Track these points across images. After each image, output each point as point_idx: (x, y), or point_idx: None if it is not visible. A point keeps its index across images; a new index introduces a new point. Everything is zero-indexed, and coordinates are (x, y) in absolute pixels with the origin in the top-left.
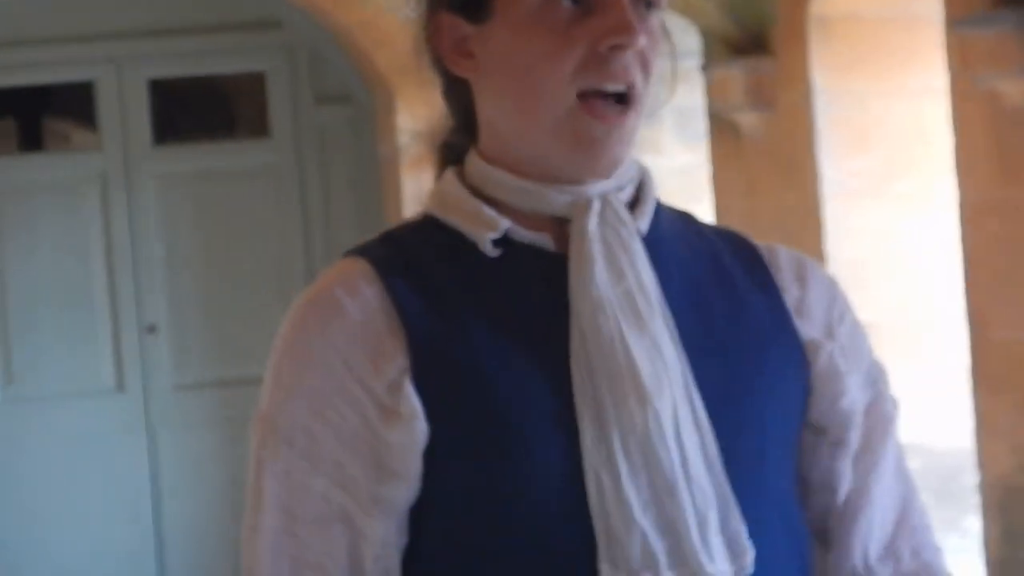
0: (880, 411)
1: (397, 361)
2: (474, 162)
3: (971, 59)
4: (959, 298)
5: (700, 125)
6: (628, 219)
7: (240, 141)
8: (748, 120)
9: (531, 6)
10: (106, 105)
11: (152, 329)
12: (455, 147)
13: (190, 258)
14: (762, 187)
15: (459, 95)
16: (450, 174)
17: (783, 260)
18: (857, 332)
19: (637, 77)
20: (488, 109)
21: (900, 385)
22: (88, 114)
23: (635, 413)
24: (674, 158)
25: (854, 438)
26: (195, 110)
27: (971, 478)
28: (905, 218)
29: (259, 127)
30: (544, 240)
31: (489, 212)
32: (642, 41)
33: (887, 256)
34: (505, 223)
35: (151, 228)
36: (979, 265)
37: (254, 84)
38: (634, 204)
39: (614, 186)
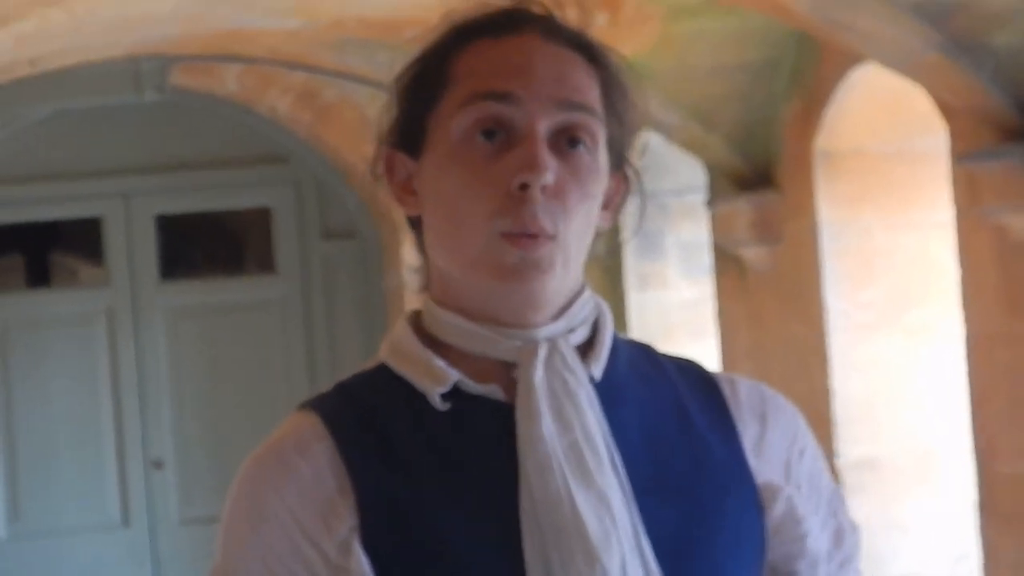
0: (844, 542)
1: (347, 520)
2: (428, 305)
3: (977, 193)
4: (966, 430)
5: (705, 259)
6: (577, 365)
7: (247, 276)
8: (753, 253)
9: (451, 142)
10: (113, 240)
11: (158, 464)
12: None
13: (196, 393)
14: (768, 320)
15: (415, 235)
16: (403, 322)
17: (744, 394)
18: (817, 467)
19: (548, 222)
20: (430, 248)
21: (907, 519)
22: (96, 249)
23: (583, 572)
24: (680, 292)
25: (822, 574)
26: (202, 245)
27: None
28: (912, 350)
29: (266, 262)
30: (494, 391)
31: (439, 364)
32: (549, 178)
33: (894, 389)
34: (455, 375)
35: (158, 363)
36: (986, 397)
37: (261, 219)
38: (589, 345)
39: (564, 328)
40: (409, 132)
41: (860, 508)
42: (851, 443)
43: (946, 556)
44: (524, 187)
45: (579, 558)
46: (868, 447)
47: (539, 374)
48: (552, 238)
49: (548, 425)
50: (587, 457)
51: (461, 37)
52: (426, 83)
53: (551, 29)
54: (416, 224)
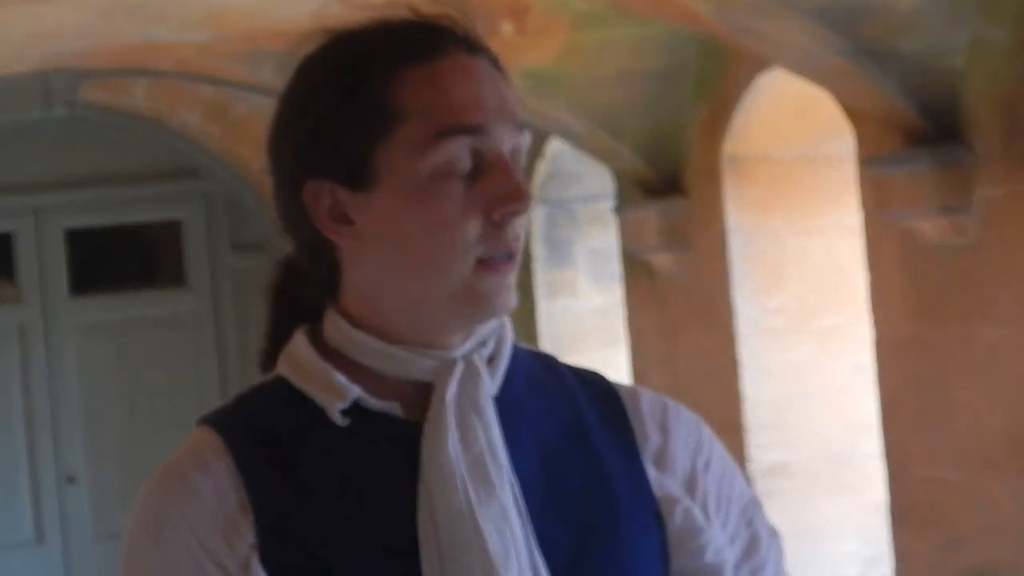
0: (758, 551)
1: (247, 538)
2: (335, 323)
3: (885, 197)
4: (878, 435)
5: (615, 267)
6: (487, 379)
7: (158, 290)
8: (663, 261)
9: (420, 179)
10: (24, 256)
11: (71, 479)
12: (302, 304)
13: (109, 407)
14: (679, 327)
15: (322, 256)
16: (301, 336)
17: (645, 406)
18: (727, 476)
19: (522, 233)
20: (362, 275)
21: (819, 524)
22: (6, 266)
23: None
24: (589, 300)
25: None
26: (113, 259)
27: None
28: (823, 356)
29: (177, 275)
30: (394, 408)
31: (339, 380)
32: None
33: (806, 394)
34: (355, 391)
35: (70, 378)
36: (897, 401)
37: (172, 233)
38: (491, 360)
39: (475, 344)
40: (346, 165)
41: (772, 514)
42: (763, 449)
43: (859, 561)
44: (508, 216)
45: (477, 574)
46: (780, 453)
47: (452, 391)
48: (515, 261)
49: (454, 441)
50: (490, 470)
51: (387, 64)
52: (364, 116)
53: (471, 46)
54: (317, 248)
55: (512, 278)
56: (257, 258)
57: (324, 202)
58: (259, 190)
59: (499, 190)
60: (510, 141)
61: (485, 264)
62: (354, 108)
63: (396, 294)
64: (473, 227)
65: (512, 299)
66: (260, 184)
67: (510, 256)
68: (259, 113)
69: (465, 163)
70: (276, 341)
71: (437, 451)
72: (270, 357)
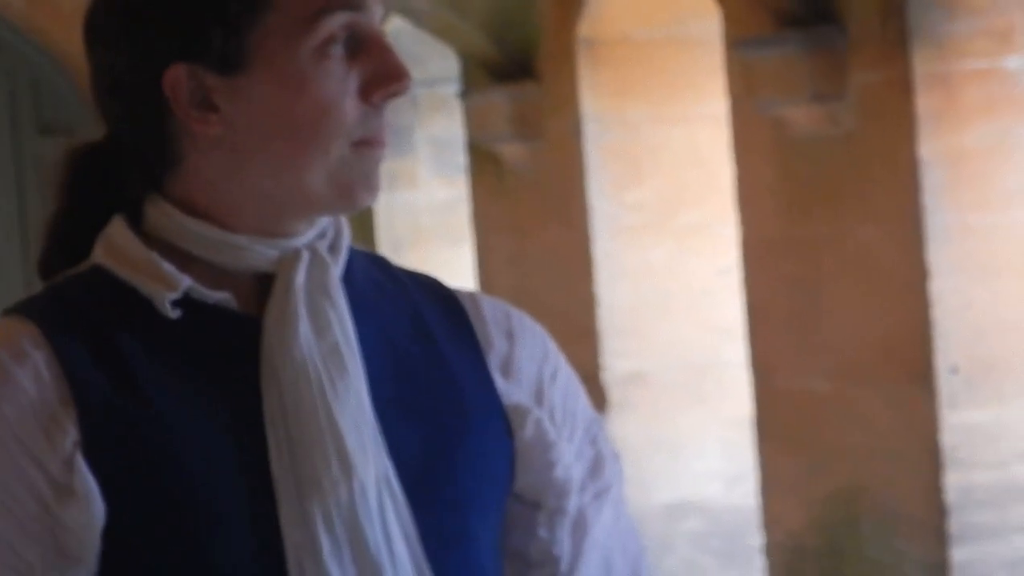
0: (602, 472)
1: (70, 434)
2: (164, 211)
3: (754, 83)
4: (743, 343)
5: (460, 157)
6: (333, 267)
7: None
8: (512, 151)
9: (300, 59)
10: None
11: None
12: (116, 190)
13: None
14: (529, 225)
15: (162, 144)
16: (120, 222)
17: (487, 312)
18: (571, 390)
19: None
20: (212, 162)
21: (678, 438)
22: None
23: (339, 484)
24: (431, 193)
25: (572, 506)
26: None
27: (757, 538)
28: (684, 256)
29: None
30: (228, 300)
31: (168, 269)
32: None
33: (665, 298)
34: (186, 281)
35: None
36: (764, 307)
37: None
38: (331, 250)
39: (317, 233)
40: (217, 49)
41: (627, 427)
42: (618, 356)
43: (720, 478)
44: (389, 96)
45: (335, 470)
46: (636, 361)
47: (301, 278)
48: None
49: (306, 331)
50: (347, 359)
51: None
52: None
53: None
54: (153, 133)
55: (381, 164)
56: (64, 142)
57: (186, 88)
58: (68, 69)
59: (380, 69)
60: (379, 17)
61: (362, 143)
62: None
63: (255, 182)
64: (351, 108)
65: (379, 186)
66: (69, 61)
67: (383, 142)
68: None
69: (342, 42)
70: (63, 238)
71: (286, 343)
72: (55, 257)
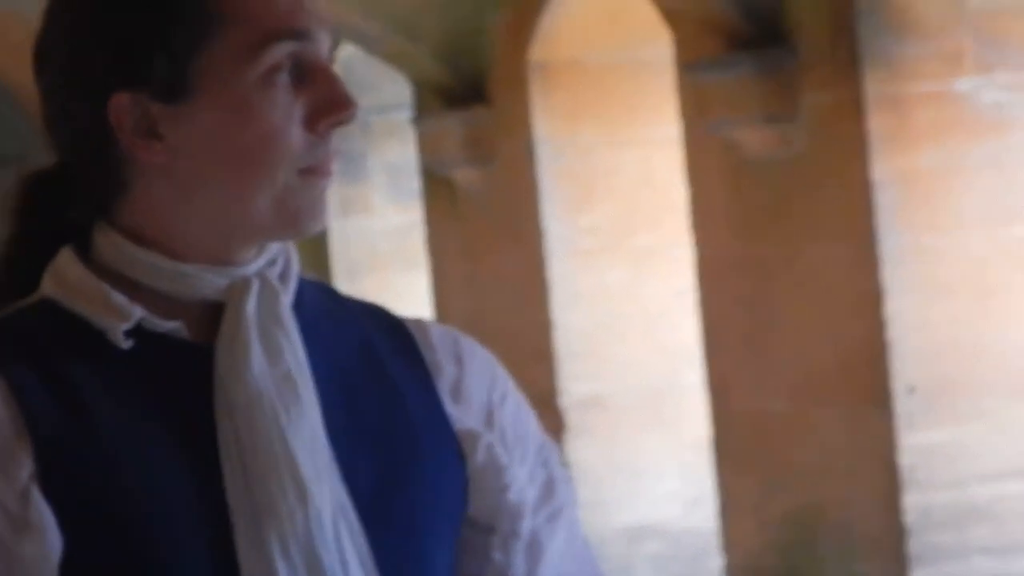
0: (555, 494)
1: (25, 466)
2: (113, 240)
3: (706, 105)
4: (699, 365)
5: (414, 183)
6: (283, 294)
7: None
8: (466, 176)
9: (245, 87)
10: None
11: None
12: (52, 225)
13: None
14: (483, 248)
15: (109, 173)
16: (68, 254)
17: (435, 338)
18: (521, 414)
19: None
20: (159, 191)
21: (636, 461)
22: None
23: (296, 512)
24: (386, 219)
25: (525, 528)
26: None
27: (717, 561)
28: (639, 279)
29: None
30: (179, 329)
31: (119, 300)
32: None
33: (621, 321)
34: (138, 312)
35: None
36: (720, 328)
37: None
38: (281, 278)
39: (266, 262)
40: (161, 77)
41: (585, 450)
42: (575, 380)
43: (679, 501)
44: (334, 126)
45: (290, 497)
46: (593, 384)
47: (252, 306)
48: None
49: (259, 359)
50: (300, 386)
51: None
52: (181, 24)
53: None
54: (100, 164)
55: (328, 193)
56: (12, 174)
57: (130, 116)
58: (17, 99)
59: (325, 98)
60: (326, 46)
61: (308, 171)
62: (170, 15)
63: (201, 210)
64: (296, 137)
65: (327, 214)
66: (18, 91)
67: (329, 172)
68: (15, 14)
69: (287, 71)
70: (13, 268)
71: (238, 370)
72: (6, 286)
